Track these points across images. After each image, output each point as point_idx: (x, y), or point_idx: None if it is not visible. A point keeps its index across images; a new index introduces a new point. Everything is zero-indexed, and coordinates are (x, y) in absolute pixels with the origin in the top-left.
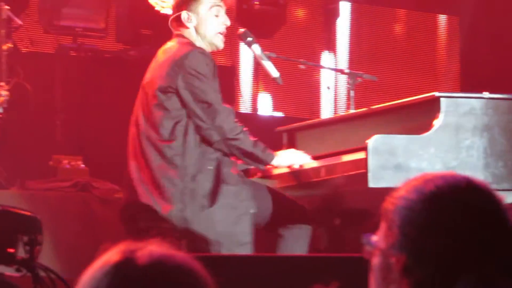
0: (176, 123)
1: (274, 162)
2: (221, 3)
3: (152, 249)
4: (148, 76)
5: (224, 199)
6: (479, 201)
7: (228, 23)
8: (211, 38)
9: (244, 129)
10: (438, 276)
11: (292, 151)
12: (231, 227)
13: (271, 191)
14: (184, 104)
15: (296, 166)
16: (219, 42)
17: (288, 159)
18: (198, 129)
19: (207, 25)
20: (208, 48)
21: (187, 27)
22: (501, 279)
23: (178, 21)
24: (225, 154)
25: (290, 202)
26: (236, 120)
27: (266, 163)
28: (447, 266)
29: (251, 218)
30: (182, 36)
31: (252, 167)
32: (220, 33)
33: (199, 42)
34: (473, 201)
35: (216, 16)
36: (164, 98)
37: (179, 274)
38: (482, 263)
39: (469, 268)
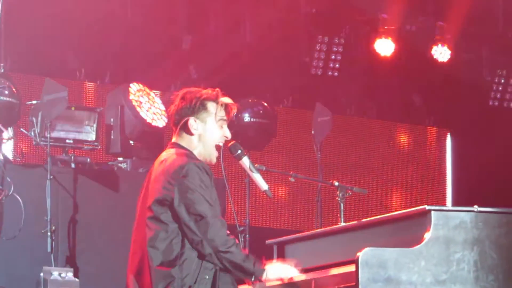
0: (173, 236)
1: (264, 276)
2: (226, 118)
3: None
4: (144, 190)
5: None
6: None
7: (229, 136)
8: (210, 149)
9: (236, 242)
10: None
11: (279, 264)
12: None
13: None
14: (177, 217)
15: (285, 280)
16: (214, 156)
17: (277, 273)
18: (190, 241)
19: (211, 135)
20: (202, 158)
21: (191, 134)
22: None
23: (182, 126)
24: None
25: None
26: (228, 233)
27: (256, 277)
28: None
29: None
30: (178, 145)
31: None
32: (217, 145)
33: (197, 151)
34: None
35: (220, 128)
36: (160, 211)
37: None
38: None
39: None
